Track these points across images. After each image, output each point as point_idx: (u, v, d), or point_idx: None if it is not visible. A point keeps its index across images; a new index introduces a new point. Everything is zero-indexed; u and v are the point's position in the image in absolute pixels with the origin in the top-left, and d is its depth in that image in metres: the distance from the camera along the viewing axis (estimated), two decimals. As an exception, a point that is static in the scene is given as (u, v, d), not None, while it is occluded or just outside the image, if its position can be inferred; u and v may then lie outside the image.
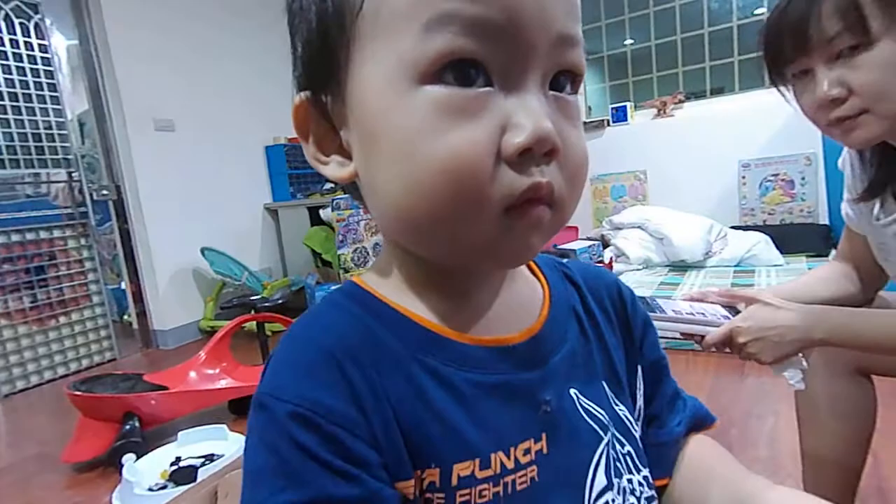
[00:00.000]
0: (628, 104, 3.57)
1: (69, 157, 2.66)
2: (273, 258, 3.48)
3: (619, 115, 3.68)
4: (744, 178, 3.62)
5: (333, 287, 2.73)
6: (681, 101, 3.49)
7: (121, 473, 1.43)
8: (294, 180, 3.52)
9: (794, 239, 3.13)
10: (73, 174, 2.66)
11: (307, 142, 0.32)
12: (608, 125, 3.74)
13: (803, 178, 3.46)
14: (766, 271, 2.77)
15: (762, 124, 3.41)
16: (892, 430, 1.25)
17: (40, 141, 2.56)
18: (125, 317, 3.39)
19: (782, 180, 3.50)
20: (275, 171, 3.50)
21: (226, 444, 1.58)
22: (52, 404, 2.25)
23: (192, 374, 1.72)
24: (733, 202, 3.60)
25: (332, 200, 2.85)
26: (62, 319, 2.57)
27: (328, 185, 3.56)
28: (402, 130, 0.27)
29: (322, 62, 0.30)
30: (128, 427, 1.56)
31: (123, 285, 3.39)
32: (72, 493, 1.48)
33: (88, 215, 2.69)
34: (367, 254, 2.79)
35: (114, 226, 2.96)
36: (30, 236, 2.47)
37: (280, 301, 2.04)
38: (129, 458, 1.47)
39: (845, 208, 0.81)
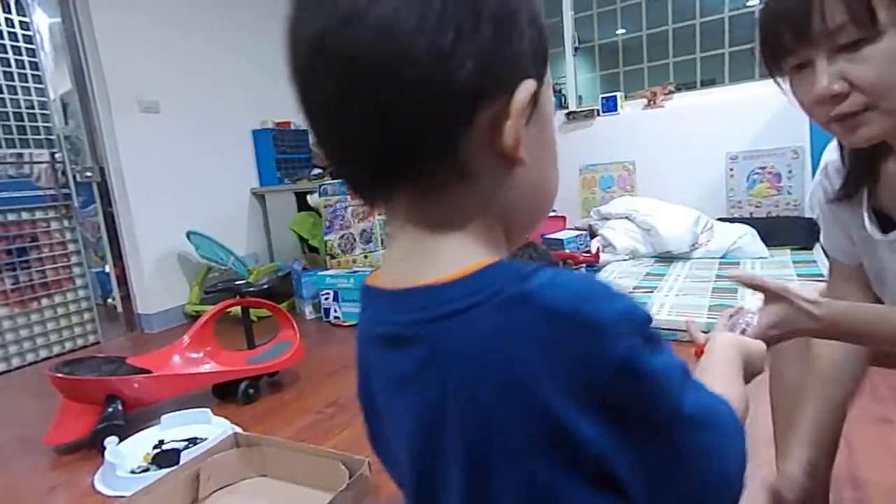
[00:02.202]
0: (619, 94, 3.57)
1: (52, 137, 2.62)
2: (259, 243, 3.47)
3: (610, 105, 3.68)
4: (732, 170, 3.64)
5: (320, 273, 2.74)
6: (671, 92, 3.49)
7: (103, 456, 1.44)
8: (282, 165, 3.48)
9: (779, 232, 3.17)
10: (56, 155, 2.61)
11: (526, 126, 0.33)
12: (598, 115, 3.74)
13: (790, 172, 3.50)
14: (752, 263, 2.81)
15: (751, 117, 3.43)
16: (865, 417, 1.29)
17: (22, 120, 2.51)
18: (109, 300, 3.36)
19: (769, 173, 3.54)
20: (262, 156, 3.46)
21: (209, 427, 1.59)
22: (34, 387, 2.24)
23: (176, 358, 1.72)
24: (721, 194, 3.62)
25: (320, 186, 2.84)
26: (45, 302, 2.54)
27: (316, 171, 3.54)
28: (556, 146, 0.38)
29: (541, 56, 0.33)
30: (110, 410, 1.56)
31: (108, 268, 3.35)
32: (54, 474, 1.48)
33: (72, 197, 2.65)
34: (355, 240, 2.79)
35: (98, 208, 2.92)
36: (11, 217, 2.44)
37: (266, 286, 2.04)
38: (111, 441, 1.47)
39: (831, 245, 0.75)
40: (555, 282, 0.29)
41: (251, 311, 2.10)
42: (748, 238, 3.02)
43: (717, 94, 3.43)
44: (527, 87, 0.31)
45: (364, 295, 0.39)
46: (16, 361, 2.44)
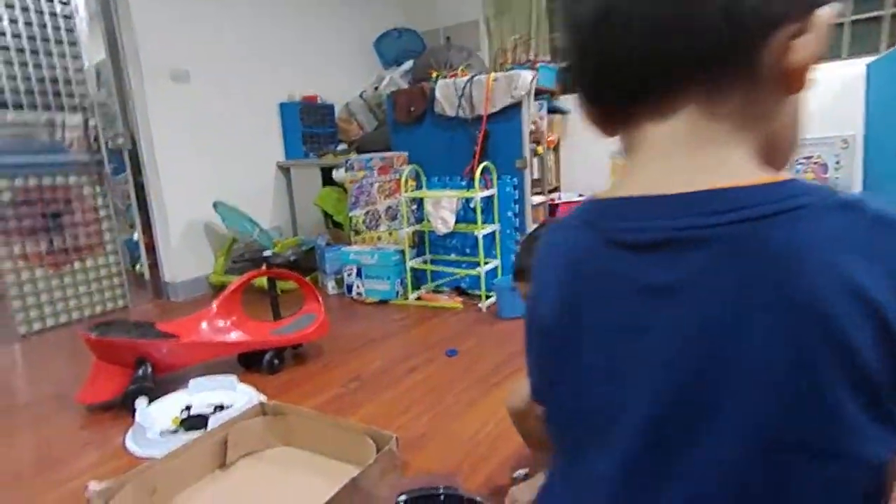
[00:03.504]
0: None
1: (86, 103, 2.64)
2: (284, 217, 3.48)
3: None
4: None
5: (344, 248, 2.75)
6: None
7: (133, 417, 1.47)
8: (307, 139, 3.47)
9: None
10: (90, 122, 2.64)
11: None
12: None
13: (838, 163, 3.35)
14: None
15: None
16: None
17: (57, 85, 2.54)
18: (137, 267, 3.43)
19: (815, 163, 3.39)
20: (288, 129, 3.45)
21: (235, 394, 1.61)
22: (67, 347, 2.31)
23: (204, 326, 1.74)
24: None
25: (346, 161, 2.82)
26: (77, 265, 2.60)
27: (341, 146, 3.52)
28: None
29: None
30: (141, 372, 1.59)
31: (136, 236, 3.41)
32: (86, 433, 1.52)
33: (104, 163, 2.69)
34: (380, 216, 2.77)
35: (128, 176, 2.96)
36: (46, 181, 2.48)
37: (292, 258, 2.04)
38: (141, 403, 1.50)
39: None
40: (870, 197, 0.31)
41: (277, 283, 2.11)
42: None
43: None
44: (830, 9, 0.33)
45: (593, 208, 0.38)
46: (50, 322, 2.51)
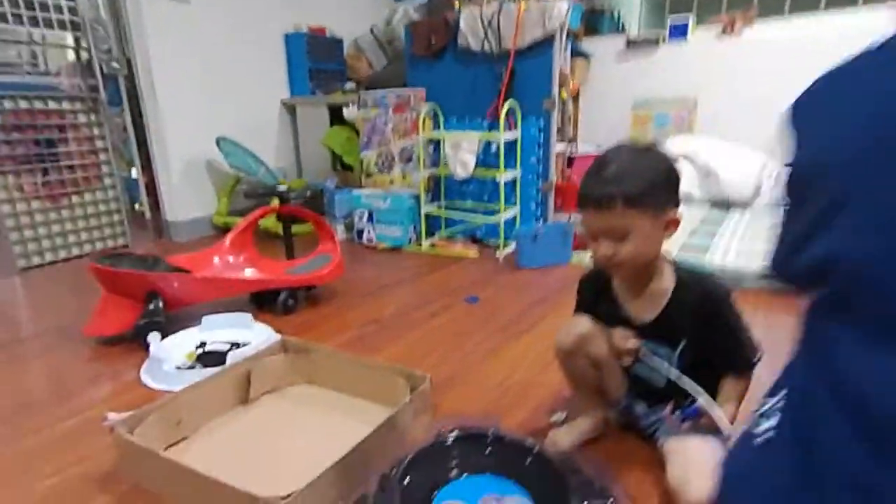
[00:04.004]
0: (690, 19, 3.20)
1: (76, 18, 2.43)
2: (288, 158, 3.33)
3: (678, 32, 3.22)
4: None
5: (355, 191, 2.63)
6: (753, 19, 3.05)
7: (146, 351, 1.41)
8: (314, 75, 3.28)
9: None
10: (81, 41, 2.44)
11: None
12: (663, 42, 3.31)
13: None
14: None
15: (845, 51, 3.07)
16: None
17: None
18: (137, 206, 3.30)
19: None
20: (294, 64, 3.25)
21: (250, 333, 1.55)
22: (68, 281, 2.23)
23: (216, 261, 1.65)
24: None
25: (358, 97, 2.66)
26: (75, 199, 2.48)
27: (349, 85, 3.34)
28: None
29: None
30: (152, 306, 1.52)
31: (135, 173, 3.26)
32: (97, 365, 1.46)
33: (98, 89, 2.51)
34: (393, 159, 2.65)
35: (125, 107, 2.78)
36: (38, 104, 2.31)
37: (308, 194, 1.93)
38: (154, 337, 1.44)
39: None
40: None
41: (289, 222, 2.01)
42: None
43: (809, 25, 2.93)
44: None
45: None
46: (49, 256, 2.41)
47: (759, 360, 0.89)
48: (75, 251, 2.51)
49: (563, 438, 1.00)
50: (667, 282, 0.92)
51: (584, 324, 0.98)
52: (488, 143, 2.41)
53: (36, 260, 2.36)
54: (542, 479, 0.84)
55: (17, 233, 2.30)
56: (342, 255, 1.86)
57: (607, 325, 0.98)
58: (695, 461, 0.82)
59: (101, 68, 2.53)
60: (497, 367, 1.37)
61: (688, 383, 0.89)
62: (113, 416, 1.01)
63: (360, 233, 2.62)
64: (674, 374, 0.91)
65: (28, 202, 2.32)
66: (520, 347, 1.49)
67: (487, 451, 0.91)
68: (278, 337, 1.37)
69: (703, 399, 0.86)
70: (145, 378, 1.34)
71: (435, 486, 0.85)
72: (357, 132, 2.75)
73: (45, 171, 2.36)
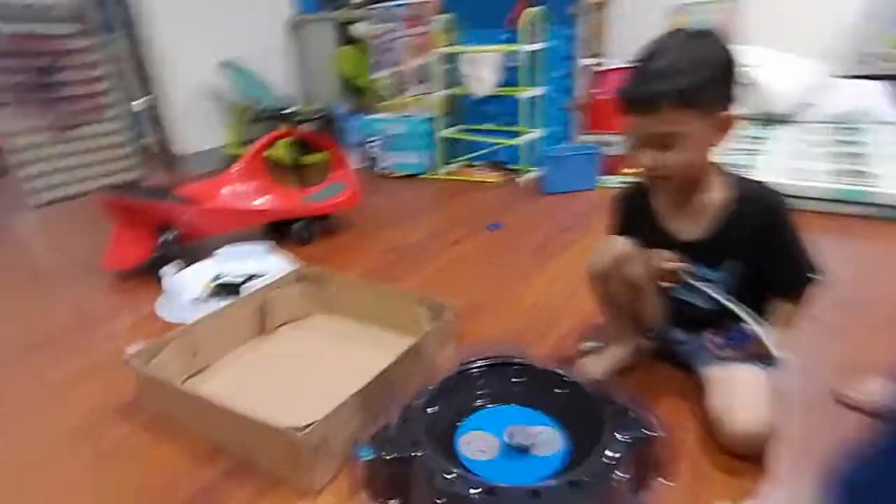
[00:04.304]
0: None
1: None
2: (296, 83, 3.15)
3: None
4: (869, 14, 2.81)
5: (368, 117, 2.48)
6: None
7: (161, 284, 1.37)
8: (320, -9, 3.02)
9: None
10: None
11: None
12: None
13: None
14: (878, 130, 2.27)
15: None
16: None
17: None
18: (144, 141, 3.21)
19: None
20: (298, -22, 2.98)
21: (267, 264, 1.49)
22: (82, 217, 2.20)
23: (226, 190, 1.57)
24: (848, 47, 2.81)
25: (369, 11, 2.44)
26: (81, 132, 2.39)
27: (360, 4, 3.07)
28: None
29: None
30: (165, 238, 1.47)
31: (138, 106, 3.14)
32: (117, 298, 1.44)
33: (93, 9, 2.33)
34: (408, 80, 2.46)
35: (119, 28, 2.60)
36: (25, 28, 2.17)
37: (320, 116, 1.81)
38: (169, 269, 1.40)
39: None
40: None
41: (300, 150, 1.91)
42: (877, 97, 2.45)
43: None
44: None
45: None
46: (60, 193, 2.37)
47: (813, 280, 0.80)
48: (87, 186, 2.45)
49: (594, 367, 0.94)
50: (717, 193, 0.81)
51: (621, 244, 0.88)
52: (510, 57, 2.20)
53: (47, 196, 2.33)
54: (572, 409, 0.79)
55: (27, 168, 2.25)
56: (358, 185, 1.77)
57: (646, 246, 0.89)
58: (741, 390, 0.75)
59: (90, -14, 2.34)
60: (523, 294, 1.31)
61: (736, 306, 0.80)
62: (132, 349, 0.98)
63: (375, 161, 2.50)
64: (721, 296, 0.83)
65: (33, 135, 2.25)
66: (547, 274, 1.41)
67: (514, 381, 0.85)
68: (295, 267, 1.31)
69: (753, 323, 0.77)
70: (161, 311, 1.32)
71: (459, 417, 0.81)
72: (368, 52, 2.55)
73: (48, 102, 2.26)
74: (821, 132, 2.33)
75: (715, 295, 0.83)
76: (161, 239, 1.46)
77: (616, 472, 0.64)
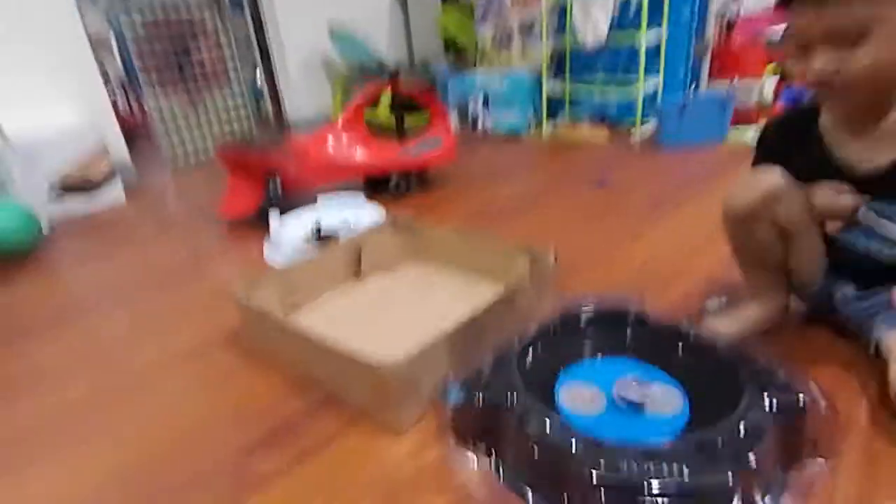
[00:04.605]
0: None
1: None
2: (400, 45, 3.14)
3: None
4: None
5: (468, 75, 2.39)
6: None
7: (268, 230, 1.44)
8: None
9: None
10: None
11: None
12: None
13: None
14: None
15: None
16: None
17: None
18: (260, 108, 3.44)
19: None
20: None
21: (363, 212, 1.50)
22: (208, 177, 2.40)
23: (329, 142, 1.60)
24: None
25: (472, -37, 2.33)
26: (207, 99, 2.61)
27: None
28: None
29: None
30: (272, 187, 1.53)
31: (258, 80, 3.37)
32: (227, 243, 1.54)
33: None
34: (512, 33, 2.33)
35: (245, 5, 2.79)
36: (172, 13, 2.39)
37: (422, 71, 1.76)
38: (274, 216, 1.45)
39: None
40: None
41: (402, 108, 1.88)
42: None
43: None
44: None
45: None
46: (192, 158, 2.61)
47: None
48: (213, 150, 2.69)
49: (726, 327, 0.78)
50: None
51: (774, 176, 0.70)
52: (626, 0, 1.97)
53: (182, 160, 2.58)
54: (699, 370, 0.65)
55: (165, 135, 2.51)
56: (455, 139, 1.70)
57: (808, 181, 0.70)
58: None
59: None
60: (633, 252, 1.16)
61: None
62: (237, 285, 1.02)
63: (475, 121, 2.41)
64: None
65: (169, 101, 2.49)
66: (659, 231, 1.24)
67: (629, 333, 0.74)
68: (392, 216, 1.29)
69: None
70: (268, 254, 1.37)
71: (561, 366, 0.71)
72: (472, 10, 2.45)
73: (181, 70, 2.49)
74: None
75: None
76: (267, 189, 1.52)
77: (759, 439, 0.50)
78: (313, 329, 0.81)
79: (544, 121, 2.22)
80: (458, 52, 2.73)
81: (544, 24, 2.10)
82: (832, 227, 0.71)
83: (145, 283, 1.32)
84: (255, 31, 2.84)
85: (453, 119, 2.55)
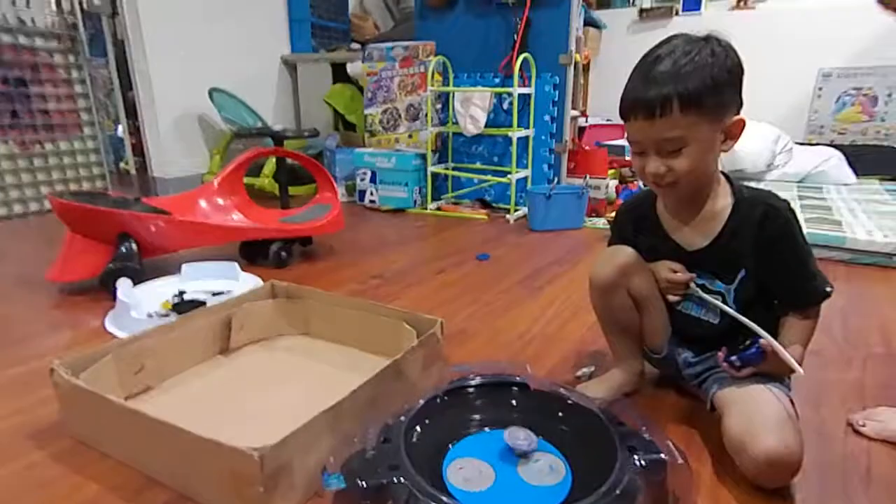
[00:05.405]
0: (707, -11, 3.10)
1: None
2: (287, 117, 3.13)
3: (692, 4, 3.29)
4: (820, 89, 3.24)
5: (357, 150, 2.43)
6: None
7: (115, 298, 1.22)
8: (317, 33, 3.07)
9: (868, 161, 2.85)
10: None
11: None
12: (676, 14, 3.38)
13: (889, 95, 3.08)
14: (836, 190, 2.50)
15: (856, 26, 2.96)
16: None
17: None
18: (122, 164, 3.10)
19: (865, 96, 3.13)
20: (296, 19, 3.04)
21: (237, 283, 1.36)
22: (39, 234, 2.03)
23: (202, 203, 1.46)
24: (802, 117, 3.27)
25: (364, 49, 2.46)
26: (49, 147, 2.27)
27: (354, 46, 3.13)
28: None
29: None
30: (124, 249, 1.33)
31: (120, 131, 3.06)
32: (58, 313, 1.27)
33: (77, 27, 2.29)
34: (399, 116, 2.45)
35: (108, 50, 2.56)
36: (6, 39, 2.10)
37: (307, 135, 1.74)
38: (124, 282, 1.25)
39: None
40: None
41: (285, 170, 1.82)
42: (834, 161, 2.71)
43: (821, -2, 2.92)
44: None
45: None
46: (17, 208, 2.20)
47: (829, 293, 0.74)
48: (48, 205, 2.30)
49: (595, 392, 0.83)
50: (724, 200, 0.77)
51: (626, 253, 0.83)
52: (500, 100, 2.23)
53: (2, 211, 2.16)
54: (577, 435, 0.68)
55: (-16, 180, 2.10)
56: (342, 209, 1.68)
57: (652, 258, 0.83)
58: (760, 411, 0.67)
59: (80, 5, 2.31)
60: (514, 321, 1.20)
61: (746, 320, 0.73)
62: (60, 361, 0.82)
63: (363, 194, 2.43)
64: (730, 309, 0.76)
65: (-2, 146, 2.12)
66: (538, 303, 1.32)
67: (514, 404, 0.74)
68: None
69: (769, 338, 0.70)
70: (110, 326, 1.16)
71: (448, 441, 0.68)
72: (361, 91, 2.56)
73: (14, 114, 2.15)
74: (787, 189, 2.49)
75: (726, 308, 0.76)
76: (118, 250, 1.32)
77: (633, 500, 0.53)
78: (160, 414, 0.67)
79: (429, 198, 2.32)
80: (346, 126, 2.79)
81: (429, 112, 2.26)
82: (675, 298, 0.82)
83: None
84: (120, 79, 2.60)
85: (341, 191, 2.54)
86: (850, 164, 2.72)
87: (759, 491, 0.66)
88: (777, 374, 0.72)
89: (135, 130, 2.69)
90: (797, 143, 2.93)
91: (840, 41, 3.05)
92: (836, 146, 2.91)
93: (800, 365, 0.68)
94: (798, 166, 2.76)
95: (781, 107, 3.17)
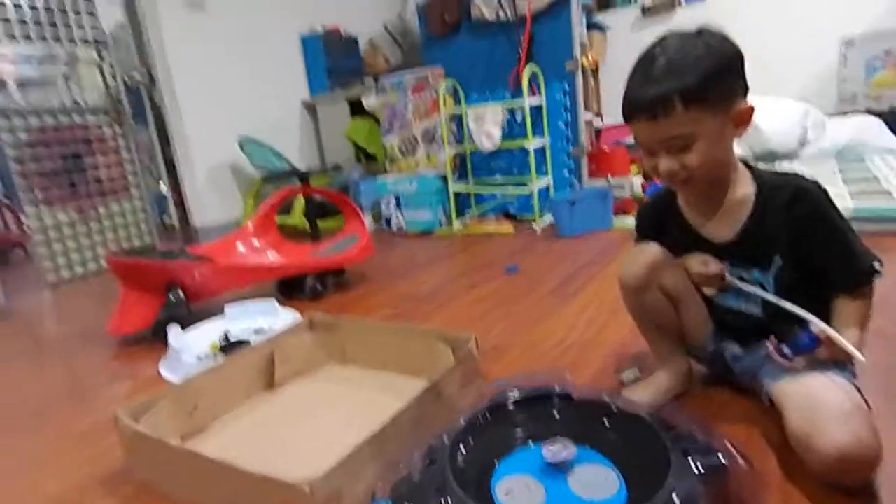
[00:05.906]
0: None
1: (98, 36, 2.43)
2: (312, 156, 3.26)
3: None
4: (845, 57, 3.09)
5: (380, 178, 2.51)
6: None
7: (167, 345, 1.30)
8: (333, 74, 3.21)
9: (911, 124, 2.67)
10: (104, 55, 2.44)
11: None
12: (679, 6, 3.26)
13: (925, 57, 2.91)
14: (881, 157, 2.34)
15: None
16: None
17: (67, 17, 2.33)
18: (165, 218, 3.30)
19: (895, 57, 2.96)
20: (312, 64, 3.19)
21: (276, 320, 1.42)
22: (97, 292, 2.18)
23: (240, 246, 1.55)
24: (830, 88, 3.10)
25: (377, 83, 2.56)
26: (102, 211, 2.45)
27: (368, 80, 3.25)
28: None
29: None
30: (172, 298, 1.42)
31: (163, 187, 3.27)
32: (117, 364, 1.37)
33: (122, 101, 2.49)
34: (416, 142, 2.52)
35: (149, 120, 2.77)
36: (63, 120, 2.31)
37: (332, 171, 1.81)
38: (174, 328, 1.33)
39: None
40: None
41: (314, 208, 1.90)
42: (874, 129, 2.54)
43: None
44: None
45: None
46: (78, 270, 2.39)
47: (878, 270, 0.69)
48: (104, 264, 2.48)
49: (642, 397, 0.81)
50: (745, 188, 0.74)
51: (652, 250, 0.80)
52: (513, 113, 2.26)
53: (65, 274, 2.34)
54: (627, 443, 0.66)
55: (46, 248, 2.28)
56: (370, 237, 1.73)
57: (680, 254, 0.80)
58: (822, 403, 0.62)
59: (124, 81, 2.52)
60: (549, 331, 1.20)
61: (792, 306, 0.69)
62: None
63: (389, 220, 2.49)
64: (772, 296, 0.72)
65: (55, 216, 2.31)
66: (572, 309, 1.31)
67: (556, 415, 0.73)
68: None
69: (819, 322, 0.66)
70: (164, 371, 1.23)
71: (495, 459, 0.68)
72: (378, 122, 2.65)
73: (73, 184, 2.35)
74: (827, 164, 2.33)
75: (767, 296, 0.72)
76: (167, 299, 1.41)
77: None
78: (215, 453, 0.71)
79: (453, 217, 2.36)
80: (368, 158, 2.89)
81: (444, 133, 2.32)
82: (710, 291, 0.79)
83: (2, 421, 1.11)
84: (161, 142, 2.80)
85: (367, 220, 2.61)
86: (893, 129, 2.57)
87: (836, 491, 0.59)
88: (836, 359, 0.66)
89: (175, 186, 2.87)
90: (830, 114, 2.80)
91: (857, 7, 2.93)
92: (874, 113, 2.76)
93: (858, 350, 0.64)
94: (833, 139, 2.62)
95: (807, 80, 3.05)
